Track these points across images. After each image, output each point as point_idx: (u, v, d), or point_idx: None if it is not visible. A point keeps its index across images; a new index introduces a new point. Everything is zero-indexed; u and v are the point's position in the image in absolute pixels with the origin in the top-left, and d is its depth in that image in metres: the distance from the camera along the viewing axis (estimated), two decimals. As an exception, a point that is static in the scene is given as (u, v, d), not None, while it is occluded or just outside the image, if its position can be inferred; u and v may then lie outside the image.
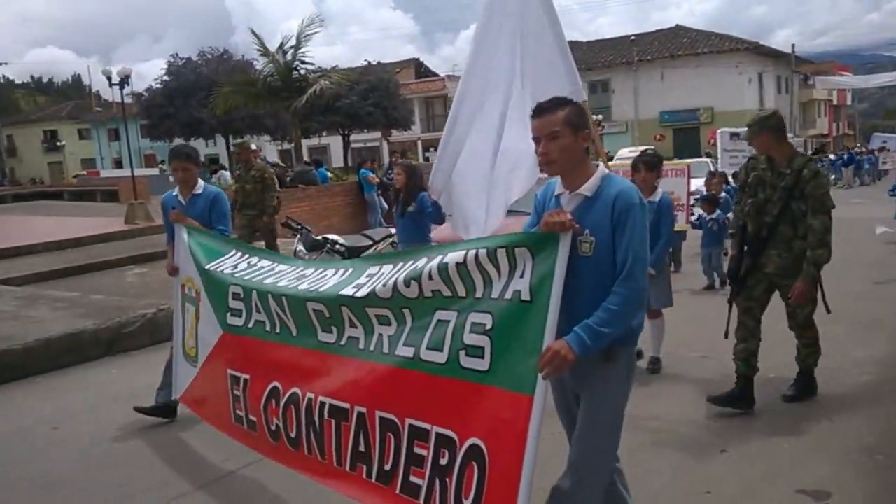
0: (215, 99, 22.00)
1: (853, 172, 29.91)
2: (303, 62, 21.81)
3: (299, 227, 10.06)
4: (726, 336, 4.88)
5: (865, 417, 4.67)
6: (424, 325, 2.80)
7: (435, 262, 2.76)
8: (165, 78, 29.70)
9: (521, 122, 4.76)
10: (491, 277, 2.62)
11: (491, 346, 2.59)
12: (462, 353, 2.65)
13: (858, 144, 41.19)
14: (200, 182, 5.07)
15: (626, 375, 2.79)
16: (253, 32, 21.50)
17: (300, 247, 9.89)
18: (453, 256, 2.71)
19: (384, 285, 2.94)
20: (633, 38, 42.74)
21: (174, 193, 5.10)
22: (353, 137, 32.54)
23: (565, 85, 4.86)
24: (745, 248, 4.84)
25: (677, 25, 45.56)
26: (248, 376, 3.80)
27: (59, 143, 61.13)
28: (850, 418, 4.66)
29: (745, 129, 4.86)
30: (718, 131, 18.32)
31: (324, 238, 10.00)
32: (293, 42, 21.22)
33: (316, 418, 3.23)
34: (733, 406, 4.78)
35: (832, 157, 32.43)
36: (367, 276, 3.11)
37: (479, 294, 2.65)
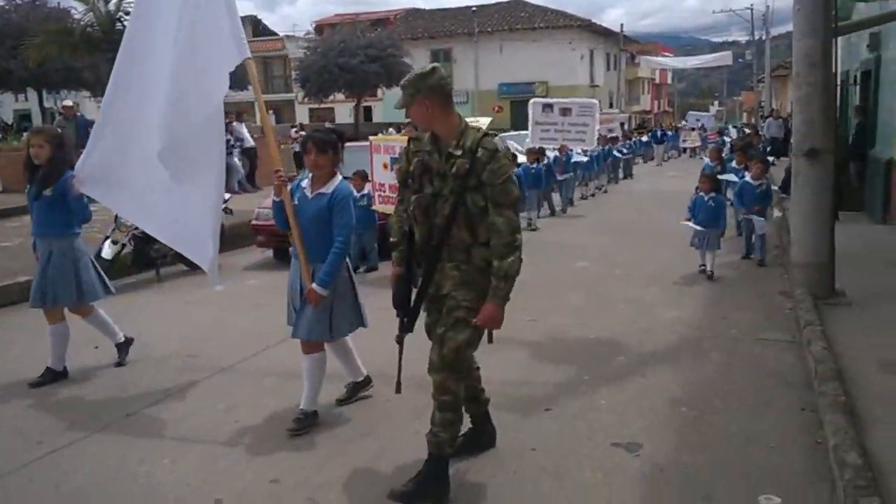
0: (27, 50, 19.99)
1: (664, 149, 32.06)
2: (127, 13, 20.27)
3: None
4: (398, 390, 3.63)
5: (672, 373, 5.10)
6: None
7: None
8: (-34, 23, 26.58)
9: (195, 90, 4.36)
10: None
11: None
12: None
13: (683, 122, 44.06)
14: None
15: None
16: (70, -24, 19.72)
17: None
18: None
19: None
20: (474, 9, 43.26)
21: None
22: (185, 97, 30.81)
23: (230, 44, 4.35)
24: (417, 262, 3.53)
25: (516, -1, 46.69)
26: None
27: None
28: (659, 374, 5.07)
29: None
30: (531, 102, 16.68)
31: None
32: (117, -10, 19.68)
33: None
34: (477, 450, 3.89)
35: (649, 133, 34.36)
36: None
37: None
